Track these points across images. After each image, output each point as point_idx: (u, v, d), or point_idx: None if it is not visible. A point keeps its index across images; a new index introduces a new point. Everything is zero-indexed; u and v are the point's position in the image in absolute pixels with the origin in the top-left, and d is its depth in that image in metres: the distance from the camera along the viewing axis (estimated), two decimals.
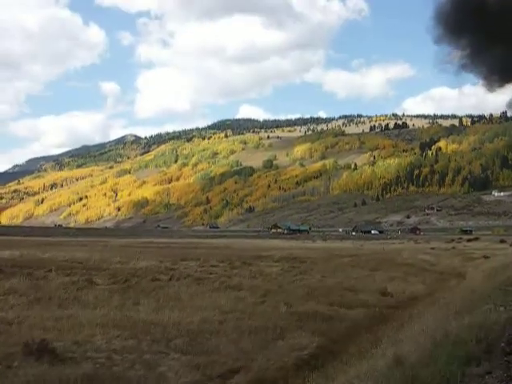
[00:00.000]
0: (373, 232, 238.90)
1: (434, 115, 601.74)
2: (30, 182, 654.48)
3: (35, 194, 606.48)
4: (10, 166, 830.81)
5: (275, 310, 18.65)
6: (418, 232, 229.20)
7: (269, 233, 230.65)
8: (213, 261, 39.43)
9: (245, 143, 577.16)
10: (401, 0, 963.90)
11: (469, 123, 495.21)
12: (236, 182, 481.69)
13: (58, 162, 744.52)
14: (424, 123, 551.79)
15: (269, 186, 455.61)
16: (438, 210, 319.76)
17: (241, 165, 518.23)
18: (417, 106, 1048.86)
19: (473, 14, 13.33)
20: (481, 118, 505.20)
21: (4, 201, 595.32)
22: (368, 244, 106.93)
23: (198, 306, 18.43)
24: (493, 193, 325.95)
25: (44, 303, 18.68)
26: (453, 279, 32.72)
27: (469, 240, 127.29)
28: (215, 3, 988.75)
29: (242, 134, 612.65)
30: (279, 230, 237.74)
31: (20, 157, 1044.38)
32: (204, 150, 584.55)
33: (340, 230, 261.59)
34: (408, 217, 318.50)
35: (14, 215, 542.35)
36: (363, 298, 22.83)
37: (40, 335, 13.01)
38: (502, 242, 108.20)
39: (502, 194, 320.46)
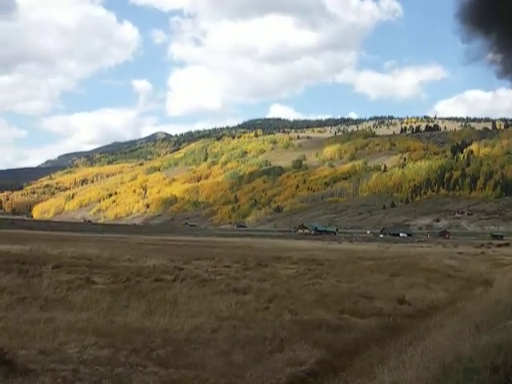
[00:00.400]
0: (401, 235, 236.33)
1: (467, 118, 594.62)
2: (61, 178, 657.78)
3: (66, 189, 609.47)
4: (42, 161, 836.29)
5: (278, 318, 17.03)
6: (447, 236, 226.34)
7: (295, 233, 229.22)
8: (227, 261, 37.93)
9: (274, 143, 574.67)
10: (434, 1, 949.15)
11: (502, 127, 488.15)
12: (265, 182, 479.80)
13: (89, 157, 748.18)
14: (456, 126, 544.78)
15: (297, 186, 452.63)
16: (468, 214, 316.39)
17: (270, 164, 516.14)
18: (449, 108, 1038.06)
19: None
20: None
21: (36, 195, 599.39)
22: (394, 247, 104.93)
23: (194, 311, 16.84)
24: None
25: (26, 304, 17.17)
26: (478, 287, 30.86)
27: (499, 245, 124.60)
28: (248, 2, 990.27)
29: (272, 133, 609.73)
30: (306, 231, 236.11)
31: (53, 152, 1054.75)
32: (233, 148, 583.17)
33: (368, 231, 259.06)
34: (437, 220, 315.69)
35: (45, 210, 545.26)
36: (378, 305, 21.16)
37: (5, 342, 11.60)
38: None
39: None
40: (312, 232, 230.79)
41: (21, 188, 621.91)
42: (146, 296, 19.53)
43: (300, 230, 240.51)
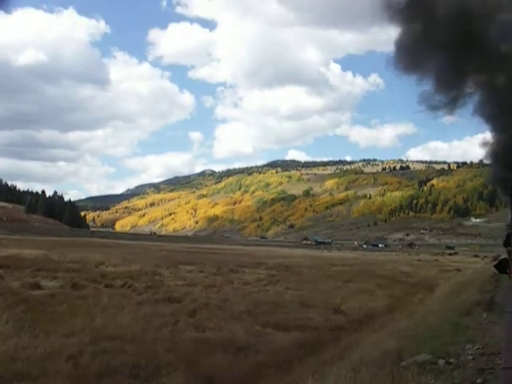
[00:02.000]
0: (380, 245, 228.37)
1: (430, 161, 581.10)
2: (136, 202, 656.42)
3: (139, 209, 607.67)
4: (124, 189, 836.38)
5: (177, 336, 10.85)
6: (413, 246, 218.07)
7: (301, 243, 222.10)
8: (209, 266, 32.06)
9: (289, 177, 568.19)
10: (408, 80, 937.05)
11: (455, 167, 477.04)
12: (282, 206, 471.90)
13: (156, 187, 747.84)
14: (422, 167, 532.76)
15: (306, 209, 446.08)
16: (429, 231, 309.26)
17: (286, 193, 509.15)
18: (417, 153, 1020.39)
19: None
20: (464, 163, 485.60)
21: (118, 214, 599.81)
22: (370, 254, 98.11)
23: (77, 328, 10.84)
24: (471, 219, 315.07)
25: None
26: (421, 292, 24.60)
27: (450, 254, 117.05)
28: (272, 76, 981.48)
29: (288, 171, 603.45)
30: (308, 242, 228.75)
31: (132, 184, 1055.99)
32: (260, 181, 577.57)
33: (355, 243, 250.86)
34: (407, 235, 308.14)
35: (124, 224, 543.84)
36: (311, 316, 15.18)
37: None
38: (476, 256, 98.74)
39: (478, 220, 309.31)
40: (313, 243, 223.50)
41: (108, 209, 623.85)
42: (53, 305, 13.58)
43: (304, 241, 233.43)
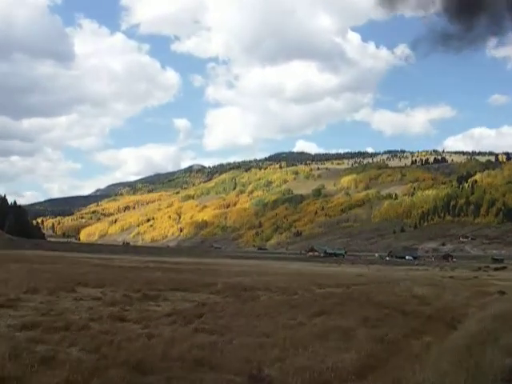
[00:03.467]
0: (407, 257, 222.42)
1: (472, 152, 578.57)
2: (107, 205, 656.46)
3: (110, 214, 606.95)
4: (93, 190, 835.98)
5: None
6: (450, 259, 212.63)
7: (305, 255, 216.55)
8: (122, 289, 26.45)
9: (296, 173, 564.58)
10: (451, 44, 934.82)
11: (504, 159, 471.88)
12: (286, 209, 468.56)
13: (132, 187, 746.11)
14: (462, 159, 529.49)
15: (316, 212, 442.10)
16: (472, 239, 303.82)
17: (292, 193, 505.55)
18: (457, 143, 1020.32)
19: None
20: None
21: (84, 220, 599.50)
22: (388, 270, 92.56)
23: None
24: None
25: None
26: (433, 332, 18.64)
27: (496, 269, 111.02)
28: (276, 50, 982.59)
29: (295, 165, 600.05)
30: (316, 253, 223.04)
31: (103, 183, 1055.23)
32: (260, 179, 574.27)
33: (376, 254, 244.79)
34: (443, 244, 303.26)
35: (91, 233, 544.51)
36: None
37: None
38: None
39: None
40: (321, 254, 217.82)
41: (71, 214, 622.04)
42: None
43: (310, 253, 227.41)
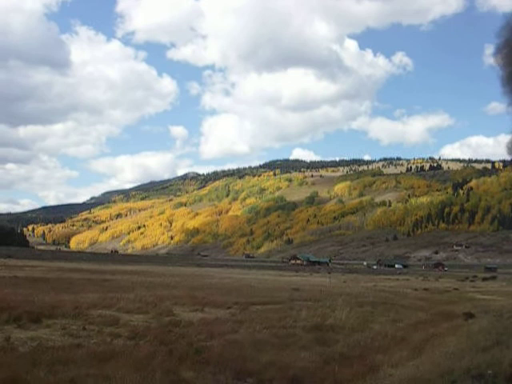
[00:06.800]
0: (397, 266, 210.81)
1: (469, 160, 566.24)
2: (99, 212, 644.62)
3: (102, 222, 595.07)
4: (87, 198, 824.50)
5: None
6: (440, 268, 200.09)
7: (288, 264, 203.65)
8: None
9: (290, 181, 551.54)
10: (443, 56, 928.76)
11: (501, 166, 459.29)
12: (279, 216, 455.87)
13: (125, 194, 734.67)
14: (459, 167, 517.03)
15: (308, 220, 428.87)
16: (466, 247, 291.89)
17: (285, 200, 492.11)
18: (454, 152, 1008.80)
19: None
20: None
21: (75, 228, 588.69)
22: (355, 280, 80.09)
23: None
24: None
25: None
26: None
27: (484, 279, 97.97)
28: (273, 58, 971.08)
29: (289, 173, 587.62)
30: (298, 262, 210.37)
31: (98, 190, 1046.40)
32: (253, 186, 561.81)
33: (364, 263, 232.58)
34: (436, 252, 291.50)
35: (81, 241, 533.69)
36: None
37: None
38: None
39: None
40: (304, 263, 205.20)
41: (63, 221, 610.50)
42: None
43: (292, 261, 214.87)
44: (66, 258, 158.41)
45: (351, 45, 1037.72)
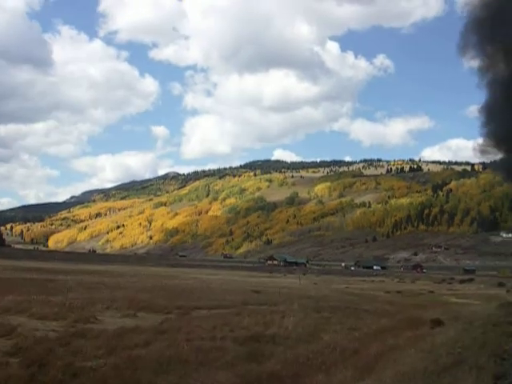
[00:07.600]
0: (375, 267, 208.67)
1: (449, 162, 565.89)
2: (78, 211, 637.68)
3: (81, 221, 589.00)
4: (67, 197, 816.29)
5: None
6: (419, 269, 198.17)
7: (265, 265, 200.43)
8: None
9: (270, 181, 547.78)
10: (424, 59, 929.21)
11: (480, 169, 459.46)
12: (259, 217, 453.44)
13: (105, 193, 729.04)
14: (439, 169, 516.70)
15: (287, 220, 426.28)
16: (445, 249, 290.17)
17: (265, 201, 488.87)
18: (434, 154, 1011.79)
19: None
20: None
21: (53, 227, 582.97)
22: (326, 282, 77.14)
23: None
24: (501, 234, 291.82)
25: None
26: None
27: (462, 281, 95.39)
28: (254, 58, 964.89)
29: (270, 173, 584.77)
30: (275, 262, 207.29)
31: (78, 190, 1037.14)
32: (233, 186, 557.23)
33: (342, 264, 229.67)
34: (415, 254, 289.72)
35: (60, 240, 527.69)
36: None
37: None
38: (500, 285, 77.38)
39: (510, 235, 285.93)
40: (281, 263, 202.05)
41: (42, 220, 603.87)
42: None
43: (269, 262, 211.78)
44: (37, 257, 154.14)
45: (333, 47, 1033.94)
